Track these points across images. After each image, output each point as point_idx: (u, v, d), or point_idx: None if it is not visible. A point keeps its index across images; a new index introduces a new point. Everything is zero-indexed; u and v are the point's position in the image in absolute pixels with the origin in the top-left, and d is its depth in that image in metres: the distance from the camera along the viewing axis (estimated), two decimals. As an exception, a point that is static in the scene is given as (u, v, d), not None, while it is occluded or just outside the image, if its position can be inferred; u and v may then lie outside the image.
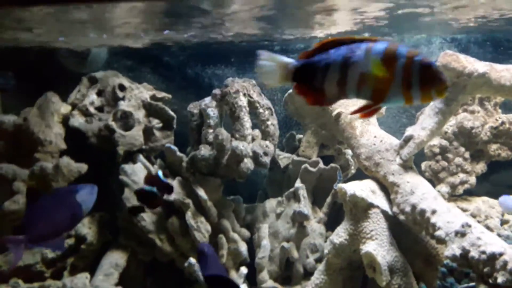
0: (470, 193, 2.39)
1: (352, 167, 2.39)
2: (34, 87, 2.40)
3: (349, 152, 2.37)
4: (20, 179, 1.96)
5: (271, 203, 2.37)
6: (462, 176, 2.35)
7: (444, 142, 2.33)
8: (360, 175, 2.34)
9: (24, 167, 2.02)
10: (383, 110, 2.29)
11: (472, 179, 2.36)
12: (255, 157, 2.20)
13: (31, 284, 1.97)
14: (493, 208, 2.30)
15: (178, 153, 2.27)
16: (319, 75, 1.06)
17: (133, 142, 2.22)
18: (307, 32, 2.39)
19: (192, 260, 1.85)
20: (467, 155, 2.35)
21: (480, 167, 2.36)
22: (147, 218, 2.19)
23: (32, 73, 2.36)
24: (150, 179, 1.73)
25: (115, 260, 2.15)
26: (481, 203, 2.33)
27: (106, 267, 2.11)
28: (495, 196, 2.29)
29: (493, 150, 2.31)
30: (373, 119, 2.19)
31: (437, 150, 2.35)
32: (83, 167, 2.11)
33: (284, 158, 2.40)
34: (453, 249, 1.65)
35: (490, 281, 1.59)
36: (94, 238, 2.20)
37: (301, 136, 2.50)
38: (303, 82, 1.09)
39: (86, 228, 2.19)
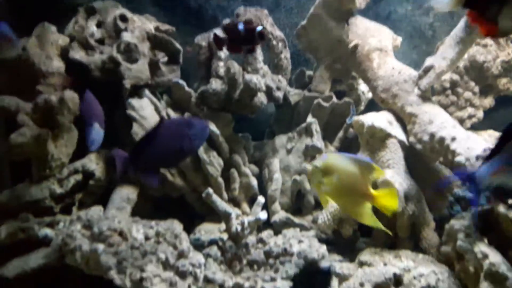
0: (476, 129, 2.42)
1: (363, 103, 2.37)
2: (24, 18, 2.24)
3: (361, 88, 2.33)
4: (24, 111, 1.85)
5: (280, 139, 2.35)
6: (470, 110, 2.36)
7: (456, 77, 2.32)
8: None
9: (27, 100, 1.91)
10: (398, 42, 2.24)
11: (480, 113, 2.38)
12: (269, 91, 2.14)
13: (41, 218, 1.92)
14: (499, 141, 2.33)
15: (187, 88, 2.19)
16: (494, 6, 0.99)
17: (140, 76, 2.11)
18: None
19: (210, 190, 1.83)
20: (476, 89, 2.36)
21: (488, 101, 2.38)
22: (157, 153, 2.13)
23: (25, 3, 2.18)
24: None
25: (126, 195, 2.11)
26: (487, 136, 2.37)
27: (118, 201, 2.07)
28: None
29: (502, 84, 2.32)
30: (390, 51, 2.14)
31: (447, 84, 2.34)
32: (89, 100, 2.01)
33: (295, 95, 2.34)
34: (473, 172, 1.66)
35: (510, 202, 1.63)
36: (101, 174, 2.14)
37: (311, 72, 2.44)
38: (475, 9, 1.02)
39: (94, 164, 2.13)
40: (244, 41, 1.61)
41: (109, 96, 2.19)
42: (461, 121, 2.35)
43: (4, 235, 1.76)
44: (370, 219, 1.32)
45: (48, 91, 1.95)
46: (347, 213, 1.32)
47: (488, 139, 2.37)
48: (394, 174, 1.89)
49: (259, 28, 1.59)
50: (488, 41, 2.29)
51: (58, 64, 2.01)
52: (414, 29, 2.53)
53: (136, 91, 2.18)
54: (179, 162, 1.90)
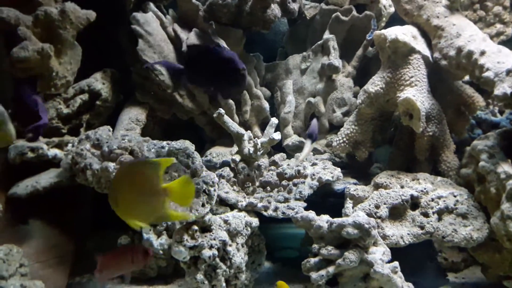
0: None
1: (384, 18, 2.20)
2: None
3: (382, 1, 2.15)
4: (24, 25, 1.73)
5: (294, 59, 2.22)
6: (499, 26, 2.19)
7: (486, -12, 2.13)
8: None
9: (26, 13, 1.77)
10: None
11: (509, 30, 2.22)
12: (283, 2, 1.98)
13: (50, 139, 1.88)
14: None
15: (194, 0, 2.03)
16: None
17: (147, -14, 1.95)
18: None
19: (221, 110, 1.75)
20: (507, 3, 2.17)
21: (520, 17, 2.20)
22: (165, 72, 2.03)
23: None
24: None
25: (134, 116, 2.05)
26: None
27: (127, 122, 2.02)
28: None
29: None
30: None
31: (476, -1, 2.15)
32: (91, 13, 1.87)
33: (311, 8, 2.17)
34: (504, 87, 1.56)
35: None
36: (108, 94, 2.05)
37: (328, -16, 2.24)
38: None
39: (100, 84, 2.04)
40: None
41: (111, 10, 2.05)
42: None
43: (14, 155, 1.73)
44: (173, 215, 1.16)
45: (47, 2, 1.81)
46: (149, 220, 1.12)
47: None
48: (416, 92, 1.78)
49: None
50: None
51: (56, -26, 1.85)
52: None
53: (140, 5, 2.03)
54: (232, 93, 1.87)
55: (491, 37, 2.19)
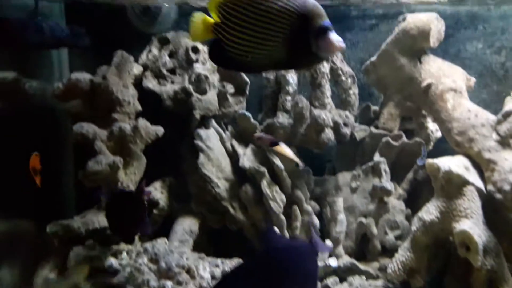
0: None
1: (432, 143, 2.29)
2: (100, 45, 2.31)
3: (430, 127, 2.26)
4: (99, 139, 1.89)
5: (344, 177, 2.29)
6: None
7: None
8: (436, 151, 2.25)
9: (102, 127, 1.95)
10: (472, 83, 2.16)
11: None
12: (336, 127, 2.10)
13: (107, 247, 1.93)
14: None
15: (252, 120, 2.19)
16: None
17: (209, 107, 2.13)
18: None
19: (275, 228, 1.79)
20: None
21: None
22: (221, 185, 2.12)
23: (100, 30, 2.26)
24: None
25: (188, 227, 2.10)
26: None
27: (181, 233, 2.07)
28: None
29: None
30: (464, 92, 2.07)
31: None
32: (160, 129, 2.04)
33: (361, 131, 2.29)
34: None
35: None
36: (165, 203, 2.15)
37: (376, 107, 2.38)
38: None
39: (159, 193, 2.14)
40: None
41: (177, 126, 2.22)
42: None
43: (73, 263, 1.78)
44: None
45: (122, 119, 1.99)
46: None
47: None
48: (473, 225, 1.79)
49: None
50: None
51: (132, 93, 2.05)
52: (484, 67, 2.45)
53: (203, 121, 2.20)
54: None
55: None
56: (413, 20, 2.08)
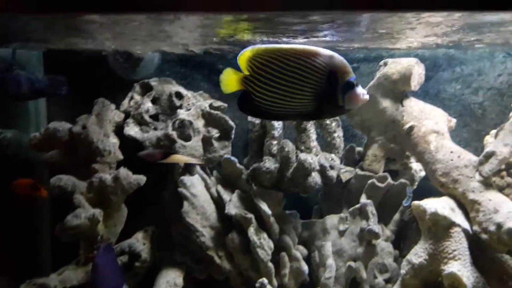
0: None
1: (416, 183, 2.30)
2: (79, 93, 2.27)
3: (414, 167, 2.27)
4: (79, 191, 1.82)
5: (332, 220, 2.26)
6: (528, 193, 2.27)
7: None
8: (421, 190, 2.26)
9: (81, 178, 1.88)
10: (453, 124, 2.21)
11: (539, 196, 2.28)
12: (322, 170, 2.09)
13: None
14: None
15: (238, 165, 2.15)
16: None
17: (194, 153, 2.09)
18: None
19: (264, 280, 1.72)
20: (533, 171, 2.28)
21: (547, 184, 2.29)
22: (206, 233, 2.06)
23: (80, 78, 2.22)
24: None
25: (172, 279, 2.01)
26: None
27: (164, 287, 1.97)
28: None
29: (561, 167, 2.24)
30: (447, 134, 2.10)
31: (502, 166, 2.27)
32: (142, 179, 1.98)
33: (346, 172, 2.29)
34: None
35: None
36: (148, 255, 2.06)
37: (360, 149, 2.40)
38: None
39: (141, 244, 2.05)
40: None
41: (159, 172, 2.16)
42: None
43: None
44: None
45: (103, 169, 1.92)
46: None
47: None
48: (461, 267, 1.78)
49: None
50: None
51: (113, 141, 2.00)
52: (463, 107, 2.51)
53: (187, 167, 2.15)
54: None
55: (523, 203, 2.26)
56: (394, 65, 2.13)
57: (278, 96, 1.15)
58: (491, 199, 1.89)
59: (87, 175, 1.90)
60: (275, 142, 2.12)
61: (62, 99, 2.21)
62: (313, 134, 2.13)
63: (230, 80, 1.21)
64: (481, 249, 1.93)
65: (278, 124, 2.11)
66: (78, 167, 1.91)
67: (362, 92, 1.14)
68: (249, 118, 2.21)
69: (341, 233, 2.19)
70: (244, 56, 1.17)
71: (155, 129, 2.13)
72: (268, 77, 1.15)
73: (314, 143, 2.13)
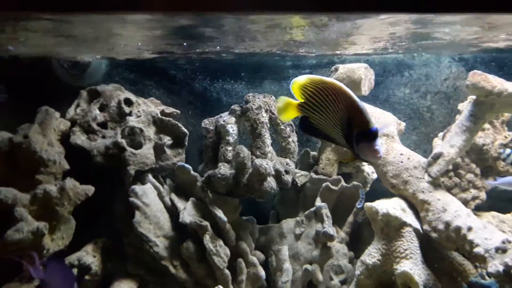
0: (478, 208, 2.42)
1: (369, 185, 2.35)
2: (23, 101, 2.15)
3: (367, 169, 2.32)
4: (21, 204, 1.71)
5: (288, 224, 2.26)
6: (473, 192, 2.38)
7: (457, 159, 2.35)
8: (372, 192, 2.31)
9: (24, 190, 1.77)
10: (402, 127, 2.28)
11: (483, 195, 2.39)
12: (278, 175, 2.09)
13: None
14: (504, 222, 2.34)
15: (192, 172, 2.11)
16: None
17: (145, 161, 2.03)
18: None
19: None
20: (478, 171, 2.39)
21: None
22: (160, 243, 2.00)
23: (22, 85, 2.11)
24: None
25: (126, 292, 1.93)
26: (491, 218, 2.36)
27: (117, 301, 1.89)
28: (498, 210, 2.34)
29: (502, 166, 2.36)
30: (396, 137, 2.16)
31: (450, 167, 2.36)
32: (90, 189, 1.90)
33: (301, 176, 2.30)
34: (496, 265, 1.65)
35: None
36: (98, 267, 1.97)
37: (315, 153, 2.42)
38: None
39: (91, 257, 1.96)
40: None
41: (109, 181, 2.08)
42: (466, 203, 2.34)
43: None
44: None
45: (47, 180, 1.82)
46: None
47: (492, 220, 2.37)
48: (412, 265, 1.83)
49: None
50: (486, 125, 2.37)
51: (59, 150, 1.90)
52: (412, 111, 2.60)
53: (139, 176, 2.08)
54: None
55: (468, 201, 2.36)
56: (344, 70, 2.17)
57: (324, 121, 1.20)
58: (440, 199, 1.96)
59: (31, 186, 1.80)
60: (230, 148, 2.10)
61: (2, 108, 2.11)
62: (268, 140, 2.12)
63: (286, 109, 1.25)
64: (432, 248, 2.00)
65: (232, 130, 2.10)
66: (20, 179, 1.80)
67: (375, 148, 1.11)
68: (203, 124, 2.18)
69: (297, 237, 2.20)
70: (296, 84, 1.21)
71: (104, 137, 2.04)
72: (319, 102, 1.19)
73: (269, 148, 2.12)
